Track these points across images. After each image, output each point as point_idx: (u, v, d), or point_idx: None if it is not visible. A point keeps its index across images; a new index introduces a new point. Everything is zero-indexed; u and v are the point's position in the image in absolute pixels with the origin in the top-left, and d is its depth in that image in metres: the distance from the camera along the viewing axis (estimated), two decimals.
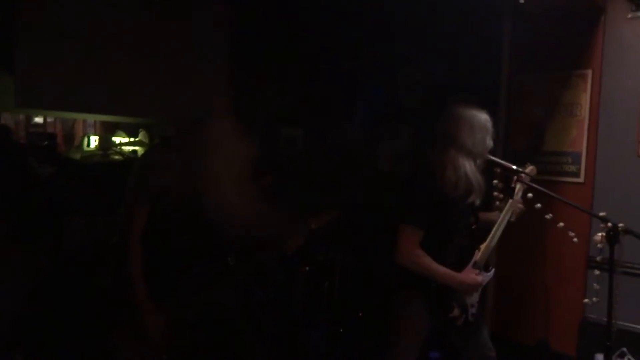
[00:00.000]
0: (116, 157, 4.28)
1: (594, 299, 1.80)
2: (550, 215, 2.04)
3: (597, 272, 1.76)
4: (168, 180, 1.95)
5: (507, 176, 2.16)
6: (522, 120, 3.18)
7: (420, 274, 2.05)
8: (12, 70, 3.50)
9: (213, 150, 1.99)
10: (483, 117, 2.15)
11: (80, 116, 5.11)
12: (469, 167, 2.06)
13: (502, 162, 2.18)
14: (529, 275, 3.03)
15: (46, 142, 5.28)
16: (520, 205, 2.18)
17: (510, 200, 2.12)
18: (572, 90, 2.98)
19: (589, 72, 2.92)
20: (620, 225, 1.72)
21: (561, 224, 2.12)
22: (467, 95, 3.56)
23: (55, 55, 3.56)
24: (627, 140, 2.79)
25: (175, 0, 4.11)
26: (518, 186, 2.14)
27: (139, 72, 3.93)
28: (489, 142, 2.15)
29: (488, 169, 2.17)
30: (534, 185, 2.09)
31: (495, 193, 2.16)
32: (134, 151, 4.66)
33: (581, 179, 2.92)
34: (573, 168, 2.96)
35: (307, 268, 3.25)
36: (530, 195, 2.04)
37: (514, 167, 2.14)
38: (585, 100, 2.94)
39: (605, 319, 1.78)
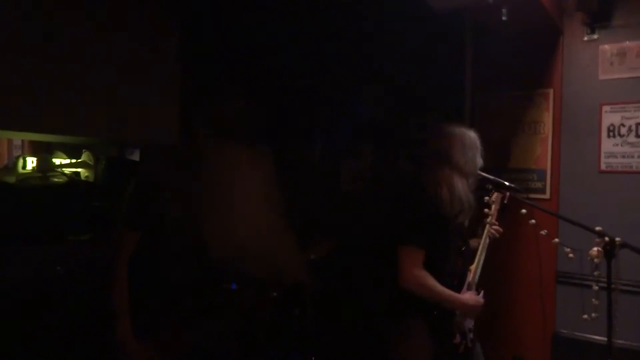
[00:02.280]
0: (57, 179, 3.92)
1: (593, 315, 1.78)
2: (546, 231, 2.03)
3: (596, 287, 1.75)
4: (163, 204, 1.78)
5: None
6: (488, 138, 3.20)
7: (424, 297, 1.97)
8: None
9: (219, 170, 1.87)
10: (472, 134, 2.13)
11: (10, 135, 4.68)
12: (462, 185, 2.02)
13: (494, 178, 2.16)
14: (501, 291, 3.03)
15: None
16: (493, 224, 2.16)
17: (487, 219, 2.11)
18: (535, 108, 3.06)
19: (550, 91, 3.02)
20: (618, 239, 1.72)
21: (532, 220, 2.11)
22: (432, 114, 3.64)
23: None
24: (589, 157, 2.90)
25: (120, 13, 3.90)
26: (493, 202, 2.13)
27: (78, 89, 3.68)
28: (479, 160, 2.13)
29: (479, 186, 2.14)
30: (522, 200, 2.09)
31: (486, 210, 2.12)
32: (77, 173, 4.31)
33: (547, 195, 2.99)
34: (539, 184, 3.02)
35: (274, 294, 3.08)
36: (524, 211, 2.03)
37: (507, 183, 2.13)
38: (547, 118, 3.02)
39: (577, 333, 1.78)
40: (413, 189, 2.07)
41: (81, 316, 2.73)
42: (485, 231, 2.15)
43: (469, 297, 2.05)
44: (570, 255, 1.87)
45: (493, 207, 2.14)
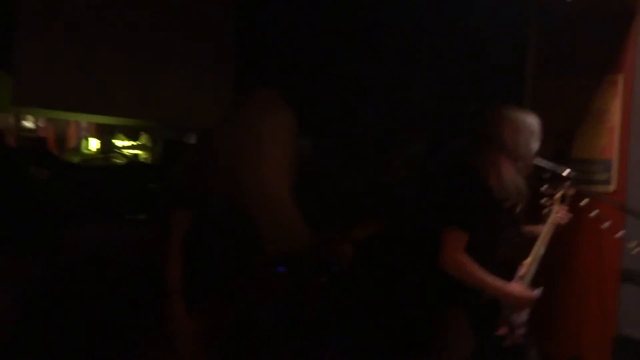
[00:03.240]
0: (118, 160, 4.11)
1: None
2: (609, 223, 1.91)
3: None
4: (212, 179, 1.81)
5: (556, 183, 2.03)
6: (548, 126, 3.05)
7: (465, 282, 1.88)
8: (9, 70, 3.39)
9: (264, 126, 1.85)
10: (528, 118, 2.01)
11: (77, 117, 4.97)
12: (510, 170, 1.92)
13: (552, 166, 2.04)
14: (557, 287, 2.89)
15: (40, 146, 5.10)
16: (561, 213, 2.04)
17: (554, 209, 1.99)
18: (602, 95, 2.87)
19: (620, 77, 2.81)
20: None
21: (595, 211, 1.98)
22: (489, 101, 3.49)
23: (53, 55, 3.47)
24: None
25: (177, 3, 4.01)
26: (560, 193, 2.01)
27: (139, 74, 3.83)
28: (535, 145, 2.01)
29: (535, 174, 2.03)
30: (584, 191, 1.97)
31: (543, 200, 2.02)
32: (136, 155, 4.50)
33: (612, 187, 2.80)
34: (603, 176, 2.84)
35: (323, 279, 3.08)
36: (585, 202, 1.91)
37: (567, 171, 2.01)
38: (616, 106, 2.83)
39: None
40: (460, 171, 1.98)
41: (137, 293, 2.86)
42: (550, 219, 2.03)
43: (515, 287, 1.94)
44: (638, 249, 1.73)
45: (555, 203, 2.02)
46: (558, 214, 2.07)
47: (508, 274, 1.98)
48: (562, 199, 2.02)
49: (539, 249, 2.00)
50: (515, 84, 3.18)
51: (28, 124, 6.94)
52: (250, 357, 1.98)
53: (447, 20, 3.41)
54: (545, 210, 2.05)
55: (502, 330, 1.92)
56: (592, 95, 2.90)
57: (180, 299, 1.81)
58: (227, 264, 1.87)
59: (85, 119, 5.55)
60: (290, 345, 2.74)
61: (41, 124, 6.99)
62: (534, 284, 2.03)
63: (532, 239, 2.05)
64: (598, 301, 2.77)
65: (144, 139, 4.79)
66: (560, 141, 2.98)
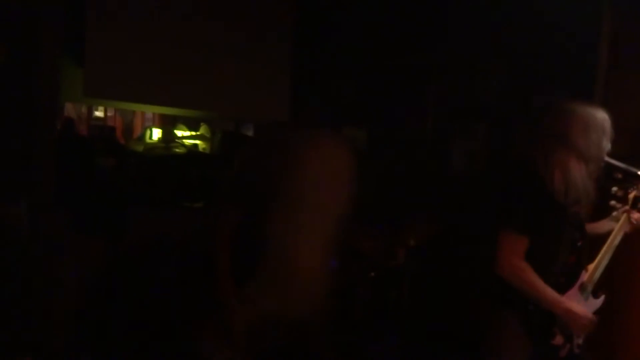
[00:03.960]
0: (178, 149, 4.25)
1: None
2: None
3: None
4: (264, 177, 1.85)
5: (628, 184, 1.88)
6: (622, 122, 2.84)
7: (521, 291, 1.79)
8: (80, 62, 3.56)
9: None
10: (600, 115, 1.86)
11: (144, 108, 5.17)
12: (580, 172, 1.79)
13: (625, 166, 1.89)
14: (622, 299, 2.68)
15: (108, 135, 5.38)
16: (635, 216, 1.89)
17: (627, 211, 1.84)
18: None
19: None
20: None
21: None
22: (554, 93, 3.30)
23: (122, 48, 3.61)
24: None
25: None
26: (634, 193, 1.86)
27: (202, 66, 3.92)
28: (606, 145, 1.86)
29: (606, 175, 1.89)
30: None
31: (613, 202, 1.88)
32: (195, 144, 4.63)
33: None
34: None
35: (373, 274, 3.06)
36: None
37: None
38: None
39: None
40: (523, 172, 1.87)
41: (195, 277, 2.95)
42: (622, 220, 1.88)
43: (576, 306, 1.80)
44: None
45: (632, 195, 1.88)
46: (630, 217, 1.91)
47: (570, 279, 1.86)
48: (635, 202, 1.86)
49: (605, 254, 1.86)
50: (586, 76, 2.98)
51: (98, 113, 7.34)
52: (298, 349, 2.00)
53: (513, 5, 3.24)
54: (615, 213, 1.91)
55: (558, 340, 1.81)
56: None
57: (230, 285, 1.85)
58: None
59: (150, 110, 5.78)
60: (339, 339, 2.74)
61: (110, 113, 7.38)
62: (595, 292, 1.90)
63: (598, 242, 1.91)
64: None
65: (203, 130, 4.93)
66: (635, 139, 2.78)
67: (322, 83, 4.32)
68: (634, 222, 1.91)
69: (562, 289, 1.84)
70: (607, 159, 1.87)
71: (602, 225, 1.97)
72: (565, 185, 1.77)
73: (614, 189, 1.89)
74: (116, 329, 2.77)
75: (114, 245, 3.02)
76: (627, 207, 1.92)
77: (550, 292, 1.78)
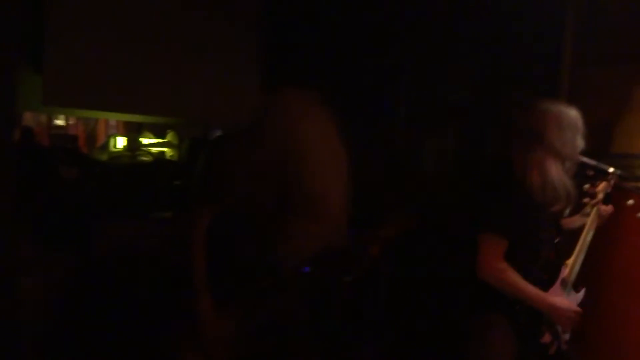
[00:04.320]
0: (145, 158, 4.12)
1: None
2: None
3: None
4: (239, 176, 1.78)
5: (599, 180, 1.90)
6: (587, 119, 2.89)
7: (505, 292, 1.79)
8: (39, 69, 3.42)
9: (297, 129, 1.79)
10: (572, 113, 1.90)
11: (106, 115, 5.03)
12: (556, 170, 1.81)
13: (596, 163, 1.92)
14: (598, 293, 2.71)
15: (70, 144, 5.20)
16: (606, 208, 1.92)
17: (597, 206, 1.87)
18: None
19: None
20: None
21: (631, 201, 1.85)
22: (521, 92, 3.35)
23: (81, 54, 3.49)
24: None
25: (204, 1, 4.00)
26: (601, 188, 1.89)
27: (166, 71, 3.83)
28: (580, 142, 1.90)
29: (579, 172, 1.91)
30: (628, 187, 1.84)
31: (586, 199, 1.90)
32: (162, 152, 4.52)
33: None
34: None
35: (348, 278, 3.02)
36: (631, 202, 1.79)
37: (612, 169, 1.88)
38: None
39: None
40: (499, 172, 1.88)
41: (163, 290, 2.86)
42: (592, 214, 1.91)
43: (560, 300, 1.83)
44: None
45: (599, 196, 1.91)
46: (599, 210, 1.94)
47: (551, 275, 1.88)
48: (606, 198, 1.89)
49: (580, 249, 1.89)
50: (551, 73, 3.03)
51: (59, 122, 7.09)
52: (275, 356, 1.96)
53: (478, 2, 3.27)
54: (587, 210, 1.93)
55: (546, 338, 1.81)
56: (634, 85, 2.73)
57: (207, 295, 1.81)
58: (251, 263, 1.84)
59: (113, 117, 5.62)
60: (315, 345, 2.69)
61: (72, 122, 7.15)
62: (576, 286, 1.92)
63: (573, 237, 1.93)
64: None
65: (170, 137, 4.81)
66: (600, 135, 2.83)
67: (292, 86, 4.30)
68: (603, 213, 1.94)
69: (545, 286, 1.86)
70: (579, 156, 1.89)
71: (574, 221, 2.00)
72: (543, 184, 1.79)
73: (586, 186, 1.91)
74: (83, 349, 2.65)
75: (78, 261, 2.89)
76: (596, 201, 1.94)
77: (533, 290, 1.80)
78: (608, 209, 1.96)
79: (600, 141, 2.81)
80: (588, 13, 2.81)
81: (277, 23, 4.20)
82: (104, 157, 4.23)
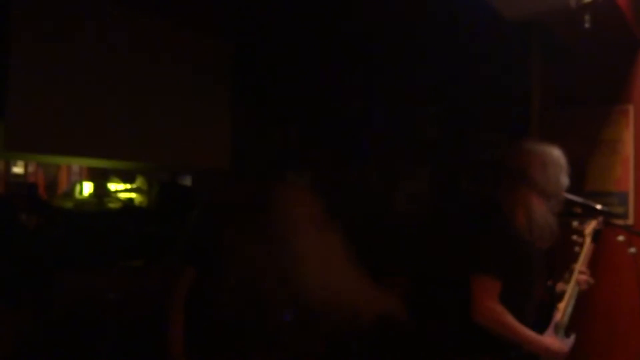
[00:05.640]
0: (112, 204, 3.96)
1: None
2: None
3: None
4: (225, 241, 1.77)
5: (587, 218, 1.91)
6: None
7: (500, 334, 1.75)
8: (1, 115, 3.29)
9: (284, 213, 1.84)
10: (555, 152, 1.93)
11: (73, 161, 4.84)
12: (540, 208, 1.82)
13: (583, 200, 1.93)
14: (592, 330, 2.70)
15: (29, 192, 4.96)
16: (582, 272, 1.92)
17: (586, 245, 1.87)
18: (613, 126, 2.79)
19: (630, 107, 2.74)
20: None
21: (632, 249, 1.85)
22: (494, 133, 3.42)
23: (44, 98, 3.38)
24: None
25: (172, 44, 3.97)
26: (590, 227, 1.90)
27: (133, 116, 3.74)
28: (564, 180, 1.91)
29: (566, 210, 1.92)
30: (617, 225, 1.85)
31: (575, 237, 1.90)
32: (131, 199, 4.35)
33: (631, 221, 2.69)
34: (621, 209, 2.73)
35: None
36: (621, 238, 1.79)
37: (598, 206, 1.90)
38: (628, 136, 2.74)
39: None
40: (486, 212, 1.87)
41: (132, 341, 2.67)
42: (574, 278, 1.91)
43: (553, 341, 1.80)
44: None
45: (587, 240, 1.91)
46: (582, 275, 1.93)
47: (545, 318, 1.85)
48: (595, 235, 1.89)
49: (572, 290, 1.87)
50: (521, 115, 3.11)
51: (17, 169, 6.80)
52: None
53: (450, 48, 3.37)
54: (577, 248, 1.93)
55: None
56: (602, 125, 2.82)
57: (180, 352, 1.74)
58: (231, 325, 1.76)
59: (79, 163, 5.43)
60: None
61: (31, 169, 6.86)
62: (566, 331, 1.89)
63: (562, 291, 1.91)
64: (626, 344, 2.60)
65: (139, 182, 4.66)
66: (573, 174, 2.88)
67: (263, 129, 4.27)
68: (584, 282, 1.92)
69: (541, 328, 1.83)
70: (565, 194, 1.91)
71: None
72: (528, 222, 1.78)
73: (575, 223, 1.92)
74: None
75: (40, 317, 2.69)
76: (586, 242, 1.93)
77: (529, 332, 1.77)
78: (586, 278, 1.94)
79: (573, 180, 2.87)
80: (553, 60, 2.92)
81: (249, 69, 4.21)
82: (69, 204, 4.04)
